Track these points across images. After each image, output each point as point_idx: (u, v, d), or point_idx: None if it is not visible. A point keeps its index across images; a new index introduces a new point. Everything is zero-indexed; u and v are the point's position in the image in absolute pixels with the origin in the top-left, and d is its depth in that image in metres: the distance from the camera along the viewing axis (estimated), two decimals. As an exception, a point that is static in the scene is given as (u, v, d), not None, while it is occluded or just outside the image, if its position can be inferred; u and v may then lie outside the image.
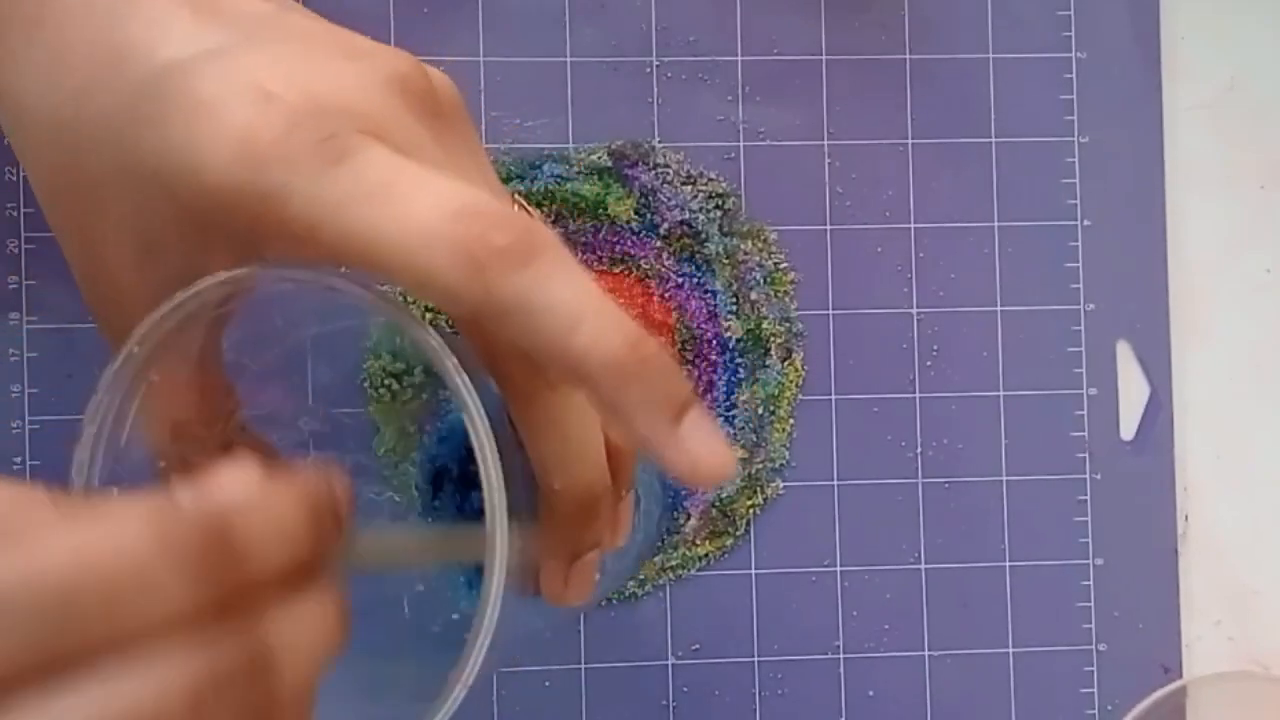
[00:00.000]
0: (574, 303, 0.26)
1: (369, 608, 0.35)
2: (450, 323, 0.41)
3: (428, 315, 0.44)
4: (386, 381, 0.42)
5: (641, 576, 0.46)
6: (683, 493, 0.46)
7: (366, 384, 0.43)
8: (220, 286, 0.28)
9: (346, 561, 0.26)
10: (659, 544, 0.46)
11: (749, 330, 0.46)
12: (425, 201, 0.26)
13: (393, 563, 0.30)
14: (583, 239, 0.46)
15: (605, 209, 0.46)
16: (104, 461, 0.29)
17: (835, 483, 0.46)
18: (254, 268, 0.28)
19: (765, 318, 0.46)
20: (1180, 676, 0.47)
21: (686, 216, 0.46)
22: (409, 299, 0.41)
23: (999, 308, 0.47)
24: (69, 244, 0.31)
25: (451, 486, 0.36)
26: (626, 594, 0.46)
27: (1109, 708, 0.47)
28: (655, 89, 0.47)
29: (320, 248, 0.26)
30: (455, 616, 0.36)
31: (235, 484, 0.24)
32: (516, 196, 0.34)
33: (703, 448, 0.26)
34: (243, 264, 0.28)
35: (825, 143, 0.47)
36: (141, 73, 0.28)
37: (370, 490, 0.39)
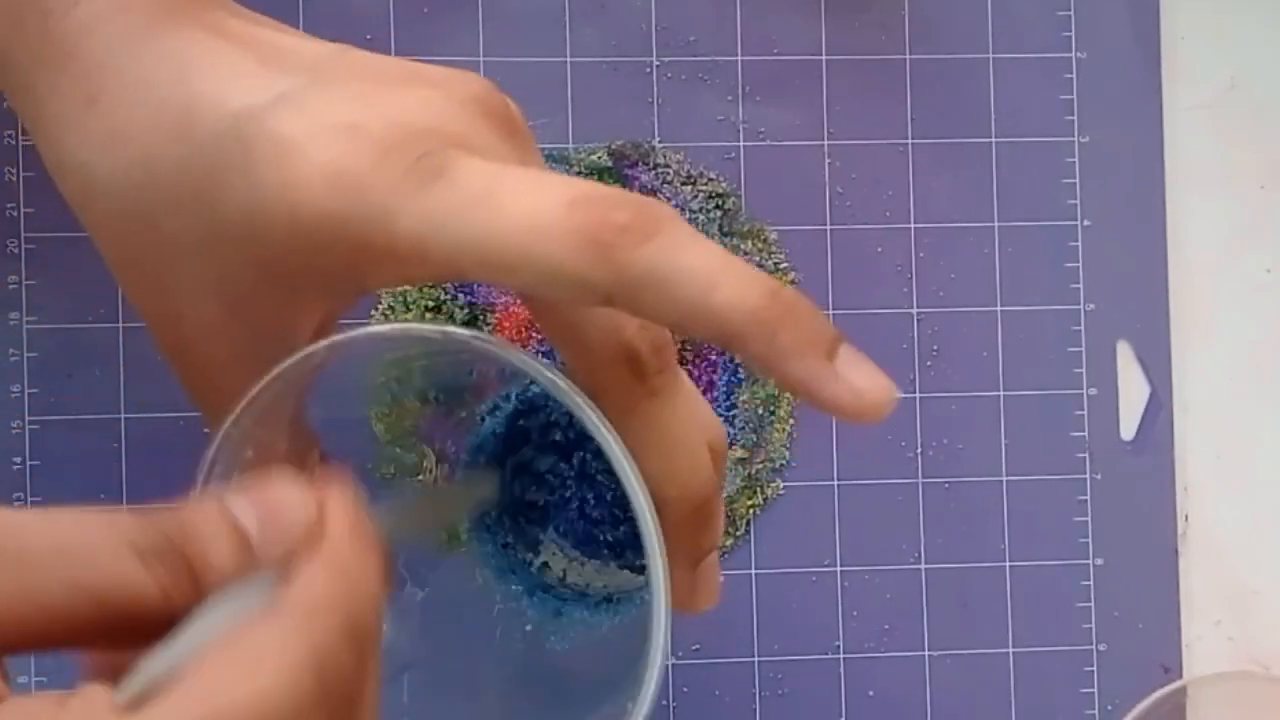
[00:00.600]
0: (707, 265, 0.26)
1: (457, 645, 0.35)
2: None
3: (426, 316, 0.44)
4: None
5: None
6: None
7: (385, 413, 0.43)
8: (313, 356, 0.28)
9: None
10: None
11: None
12: (535, 196, 0.26)
13: (405, 533, 0.30)
14: (583, 239, 0.46)
15: (605, 209, 0.46)
16: None
17: (835, 483, 0.46)
18: (346, 335, 0.28)
19: (765, 318, 0.46)
20: (1180, 676, 0.47)
21: (686, 216, 0.46)
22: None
23: (999, 308, 0.47)
24: (150, 310, 0.31)
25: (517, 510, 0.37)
26: (626, 594, 0.46)
27: (1109, 708, 0.47)
28: (655, 89, 0.47)
29: (432, 264, 0.26)
30: (528, 628, 0.36)
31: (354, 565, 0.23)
32: None
33: (863, 379, 0.26)
34: (335, 310, 0.29)
35: (825, 143, 0.47)
36: (215, 125, 0.28)
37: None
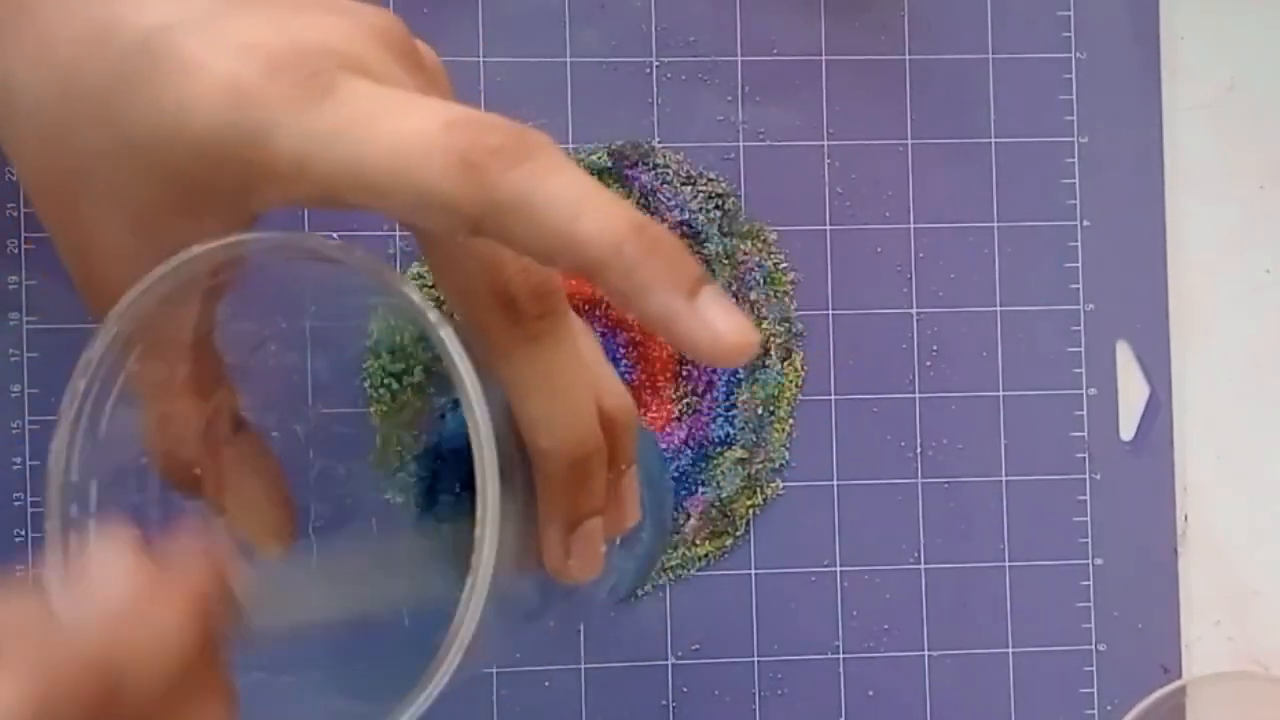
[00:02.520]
0: (574, 193, 0.25)
1: (362, 616, 0.35)
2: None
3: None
4: (386, 381, 0.42)
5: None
6: (683, 492, 0.46)
7: (367, 384, 0.43)
8: (203, 258, 0.27)
9: (241, 631, 0.26)
10: (670, 540, 0.46)
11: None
12: (413, 118, 0.26)
13: (295, 626, 0.29)
14: (583, 239, 0.46)
15: (605, 209, 0.46)
16: (82, 453, 0.28)
17: (835, 483, 0.46)
18: (235, 237, 0.27)
19: (765, 318, 0.46)
20: (1180, 676, 0.47)
21: (686, 216, 0.46)
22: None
23: (999, 308, 0.47)
24: (58, 227, 0.31)
25: (450, 489, 0.36)
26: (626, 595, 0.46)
27: (1109, 708, 0.47)
28: (655, 89, 0.47)
29: (313, 184, 0.26)
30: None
31: (117, 598, 0.24)
32: None
33: (722, 320, 0.25)
34: (230, 230, 0.28)
35: (825, 143, 0.47)
36: (129, 41, 0.28)
37: (369, 491, 0.39)
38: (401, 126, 0.26)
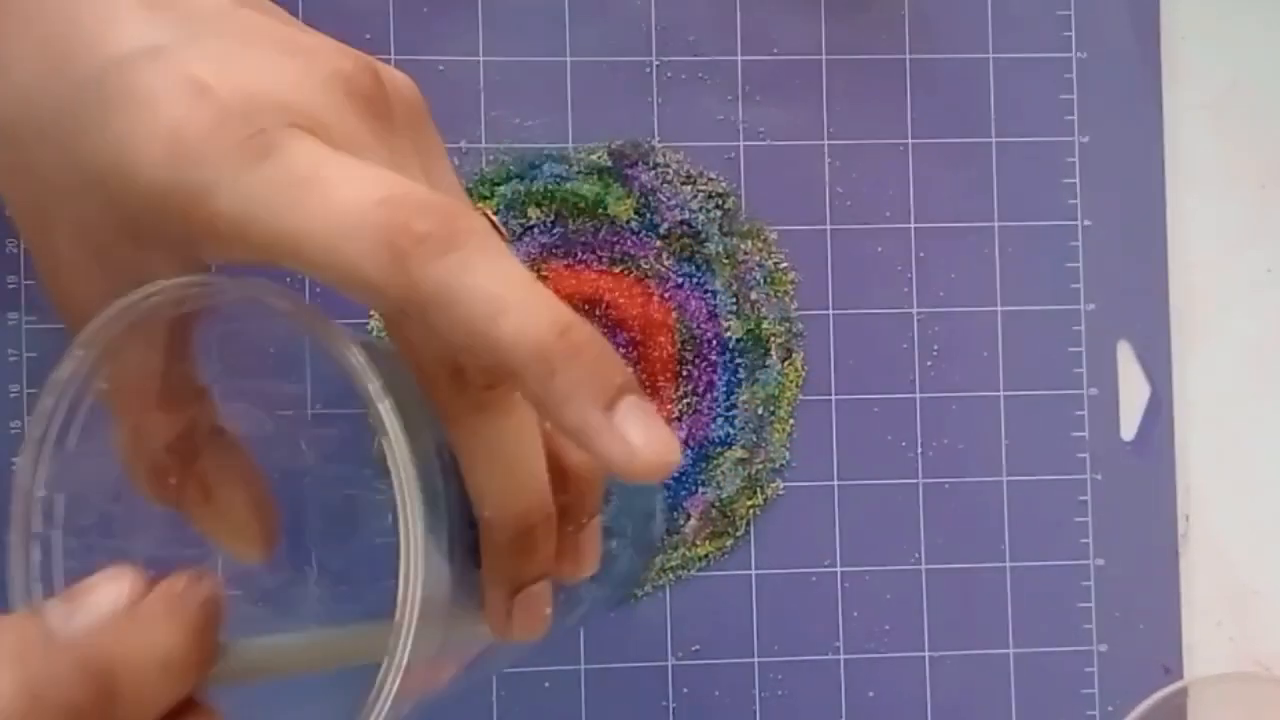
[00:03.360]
0: (498, 289, 0.24)
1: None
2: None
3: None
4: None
5: (642, 578, 0.46)
6: (683, 492, 0.46)
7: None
8: (163, 294, 0.27)
9: (225, 671, 0.26)
10: (657, 556, 0.45)
11: (749, 330, 0.46)
12: (349, 191, 0.25)
13: (278, 670, 0.29)
14: (583, 239, 0.46)
15: (605, 209, 0.46)
16: (51, 468, 0.28)
17: (835, 483, 0.46)
18: (194, 278, 0.27)
19: (765, 318, 0.46)
20: (1181, 677, 0.47)
21: (686, 216, 0.46)
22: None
23: (999, 308, 0.47)
24: (30, 243, 0.30)
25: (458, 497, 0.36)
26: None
27: (1110, 708, 0.47)
28: (655, 89, 0.47)
29: (249, 247, 0.26)
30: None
31: (111, 618, 0.24)
32: (480, 207, 0.33)
33: (639, 435, 0.24)
34: (188, 270, 0.27)
35: (825, 143, 0.47)
36: (85, 70, 0.27)
37: (365, 492, 0.38)
38: (335, 199, 0.25)
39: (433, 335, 0.26)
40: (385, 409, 0.25)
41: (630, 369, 0.26)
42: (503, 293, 0.24)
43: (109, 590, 0.24)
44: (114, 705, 0.23)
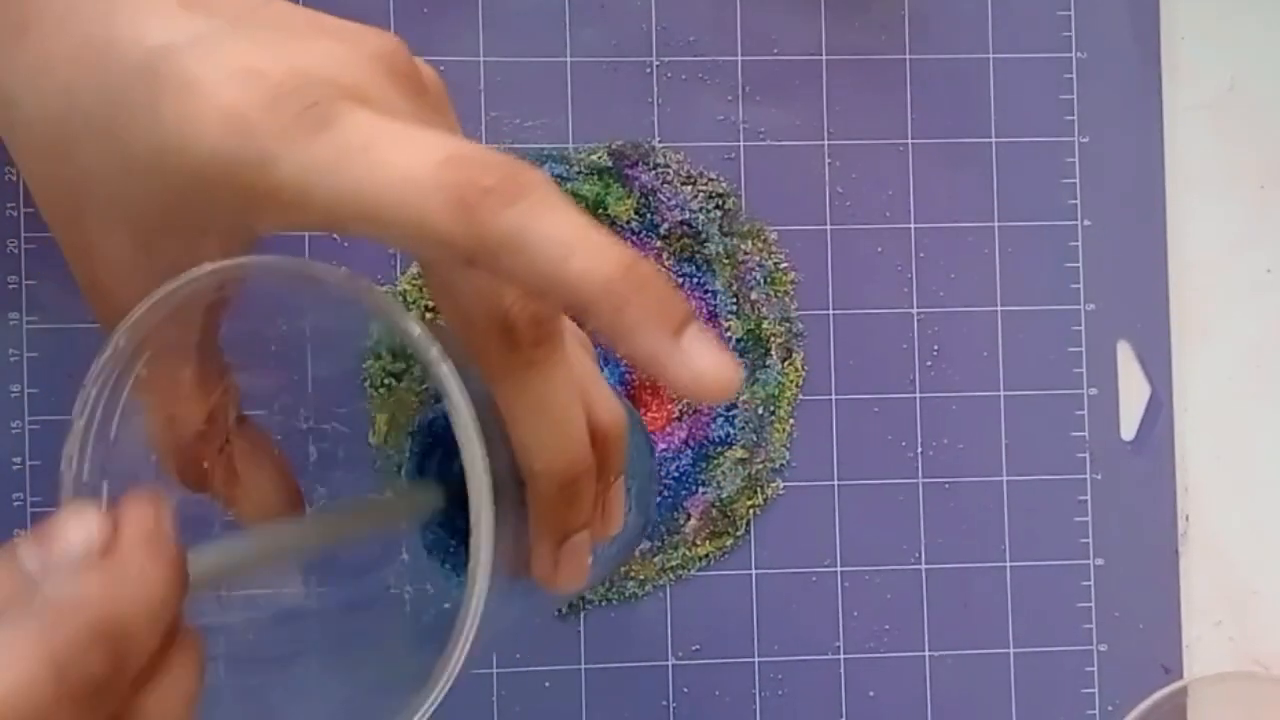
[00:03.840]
0: (565, 233, 0.26)
1: (359, 602, 0.35)
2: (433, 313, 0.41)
3: (427, 316, 0.44)
4: (386, 381, 0.43)
5: (642, 577, 0.46)
6: (683, 492, 0.46)
7: (367, 384, 0.43)
8: (207, 278, 0.28)
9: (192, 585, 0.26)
10: (649, 532, 0.46)
11: (749, 330, 0.46)
12: (410, 152, 0.26)
13: (236, 571, 0.29)
14: (583, 239, 0.46)
15: (605, 209, 0.46)
16: (94, 455, 0.29)
17: (835, 483, 0.46)
18: (239, 260, 0.28)
19: (765, 318, 0.46)
20: (1181, 677, 0.47)
21: (686, 216, 0.46)
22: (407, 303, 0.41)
23: (999, 308, 0.47)
24: (66, 240, 0.31)
25: (441, 480, 0.36)
26: (627, 594, 0.46)
27: (1109, 708, 0.47)
28: (655, 89, 0.47)
29: (313, 213, 0.27)
30: (446, 606, 0.35)
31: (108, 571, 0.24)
32: None
33: (704, 360, 0.26)
34: (234, 252, 0.28)
35: (825, 143, 0.47)
36: (130, 60, 0.28)
37: (369, 488, 0.39)
38: (399, 160, 0.26)
39: (486, 293, 0.28)
40: (445, 372, 0.27)
41: (691, 303, 0.27)
42: (570, 236, 0.26)
43: (78, 529, 0.25)
44: (125, 667, 0.24)
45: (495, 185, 0.26)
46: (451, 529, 0.36)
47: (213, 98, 0.27)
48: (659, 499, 0.46)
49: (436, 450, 0.37)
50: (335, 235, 0.27)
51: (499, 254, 0.26)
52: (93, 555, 0.24)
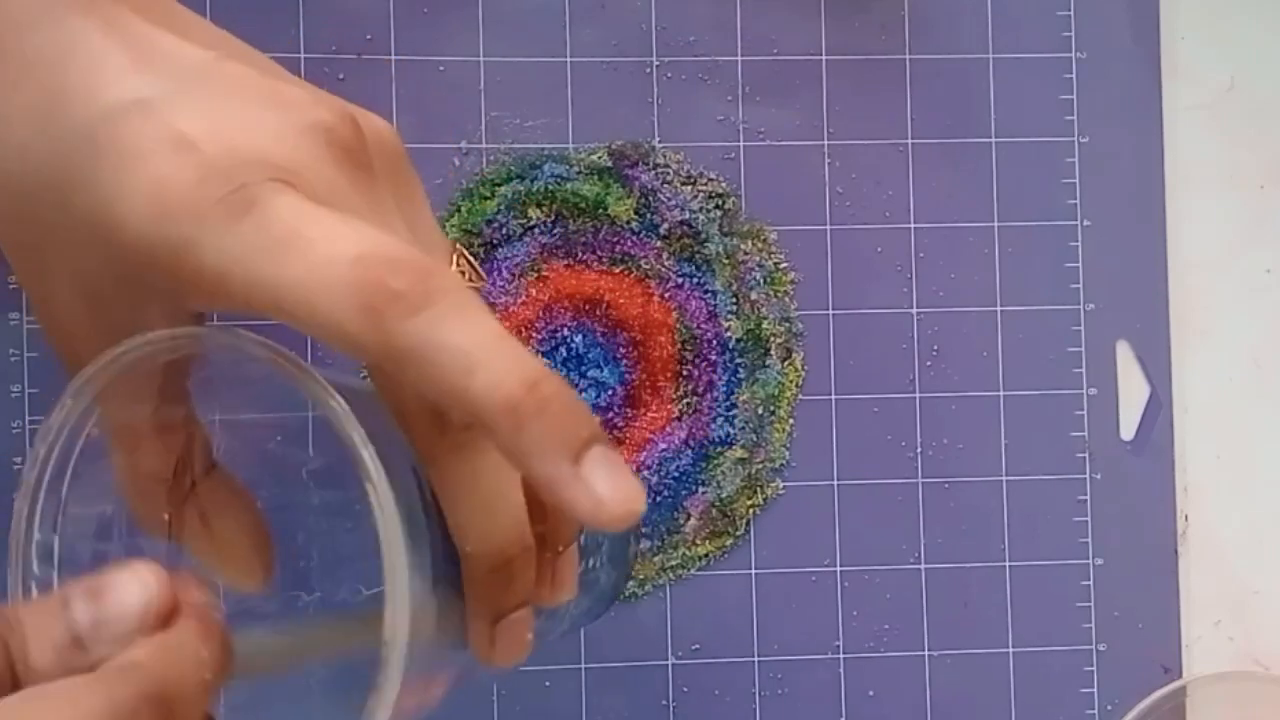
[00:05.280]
0: (470, 345, 0.25)
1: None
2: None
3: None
4: None
5: (642, 577, 0.46)
6: (683, 492, 0.46)
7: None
8: (155, 345, 0.28)
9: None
10: (622, 588, 0.45)
11: (749, 330, 0.46)
12: (327, 248, 0.26)
13: (271, 668, 0.29)
14: (583, 239, 0.46)
15: (605, 209, 0.46)
16: (45, 511, 0.29)
17: (835, 483, 0.46)
18: (186, 330, 0.28)
19: (765, 318, 0.46)
20: (1180, 676, 0.47)
21: (686, 216, 0.46)
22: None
23: (999, 308, 0.47)
24: (30, 291, 0.31)
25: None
26: (626, 594, 0.46)
27: (1109, 708, 0.47)
28: (655, 89, 0.47)
29: (232, 300, 0.26)
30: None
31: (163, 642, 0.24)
32: (458, 247, 0.34)
33: (605, 486, 0.25)
34: (179, 320, 0.28)
35: (825, 143, 0.47)
36: (76, 123, 0.28)
37: (357, 517, 0.38)
38: (312, 255, 0.26)
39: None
40: (368, 456, 0.26)
41: (598, 420, 0.27)
42: (474, 349, 0.25)
43: (130, 589, 0.25)
44: None
45: (403, 290, 0.25)
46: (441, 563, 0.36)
47: (144, 172, 0.27)
48: (658, 499, 0.46)
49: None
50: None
51: (403, 363, 0.25)
52: (149, 621, 0.25)
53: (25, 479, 0.28)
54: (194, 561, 0.32)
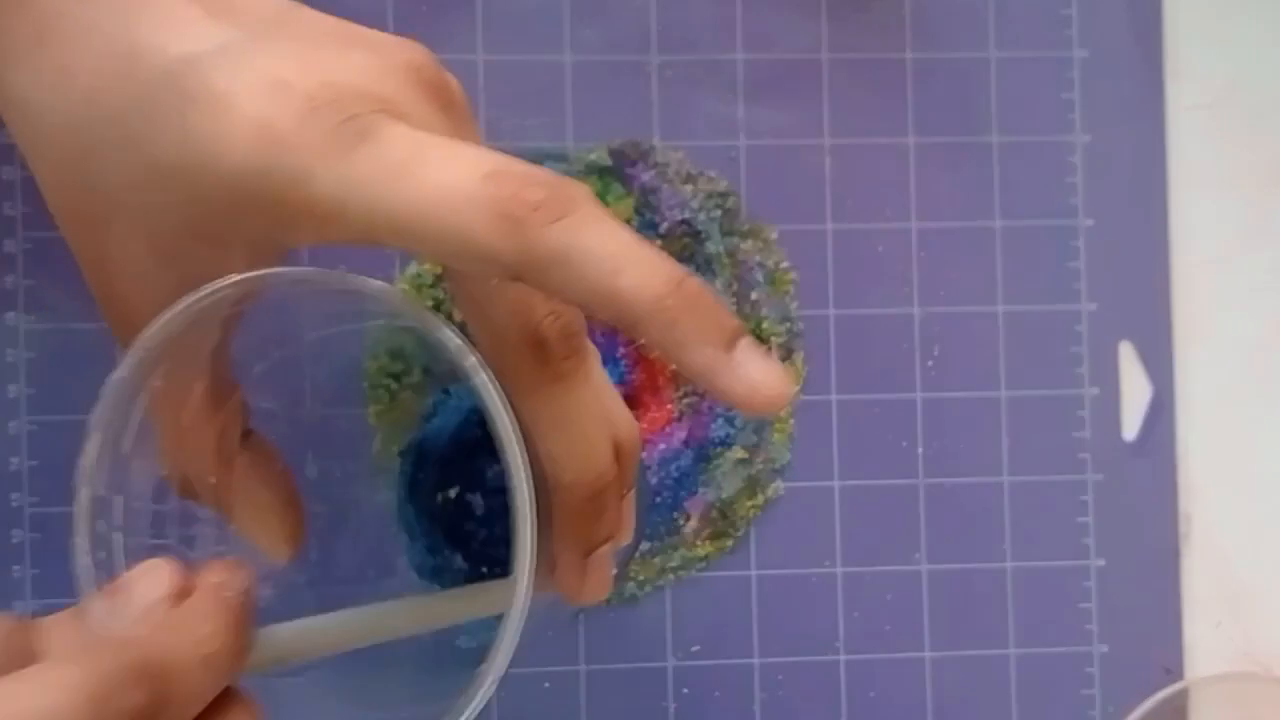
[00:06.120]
0: (615, 248, 0.26)
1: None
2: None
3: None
4: (385, 382, 0.42)
5: (642, 577, 0.46)
6: (683, 493, 0.46)
7: (366, 384, 0.43)
8: (231, 289, 0.28)
9: (257, 659, 0.27)
10: (642, 538, 0.46)
11: (749, 330, 0.46)
12: (453, 167, 0.26)
13: (307, 654, 0.30)
14: (582, 239, 0.46)
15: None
16: (109, 469, 0.29)
17: (835, 483, 0.46)
18: (267, 271, 0.28)
19: (765, 318, 0.46)
20: (1182, 678, 0.47)
21: (686, 216, 0.46)
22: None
23: (1000, 308, 0.47)
24: (82, 250, 0.31)
25: (440, 487, 0.36)
26: (626, 595, 0.46)
27: (1110, 709, 0.47)
28: (655, 89, 0.47)
29: (350, 228, 0.27)
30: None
31: (159, 612, 0.25)
32: None
33: (758, 372, 0.26)
34: (259, 265, 0.28)
35: (825, 143, 0.47)
36: (155, 70, 0.28)
37: (366, 491, 0.39)
38: (442, 176, 0.26)
39: (518, 307, 0.28)
40: (484, 381, 0.27)
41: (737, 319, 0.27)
42: (618, 251, 0.26)
43: (148, 584, 0.25)
44: (166, 707, 0.24)
45: (542, 200, 0.26)
46: (437, 550, 0.36)
47: (243, 110, 0.27)
48: (658, 499, 0.46)
49: (428, 468, 0.37)
50: (367, 247, 0.27)
51: (548, 269, 0.26)
52: (159, 606, 0.25)
53: (91, 433, 0.28)
54: (232, 528, 0.33)
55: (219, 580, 0.26)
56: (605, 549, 0.32)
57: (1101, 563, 0.47)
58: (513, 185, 0.26)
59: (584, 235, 0.26)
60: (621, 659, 0.45)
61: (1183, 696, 0.46)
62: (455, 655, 0.34)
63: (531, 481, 0.27)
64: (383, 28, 0.45)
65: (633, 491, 0.34)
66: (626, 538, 0.34)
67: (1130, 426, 0.48)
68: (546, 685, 0.45)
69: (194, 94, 0.27)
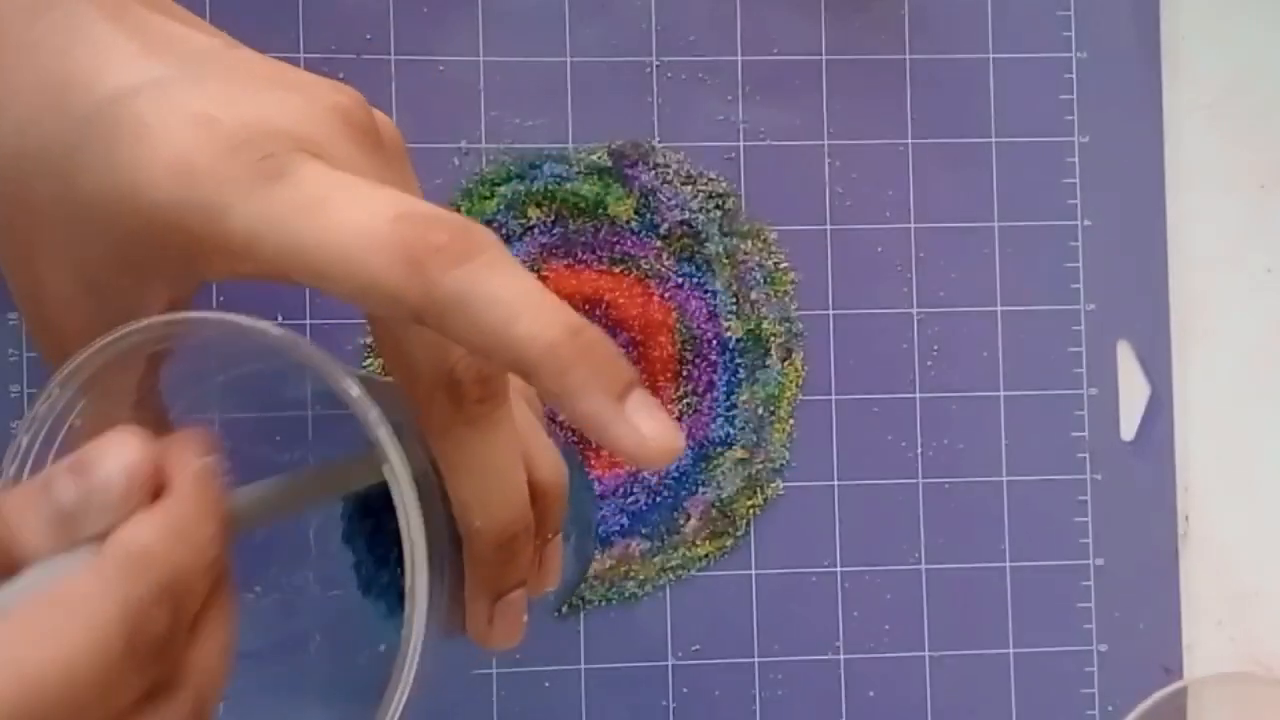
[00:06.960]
0: (513, 295, 0.26)
1: (291, 640, 0.35)
2: (381, 370, 0.41)
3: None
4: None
5: (641, 577, 0.46)
6: (683, 492, 0.46)
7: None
8: (151, 330, 0.28)
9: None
10: (581, 582, 0.45)
11: (749, 330, 0.46)
12: (363, 208, 0.26)
13: (271, 516, 0.29)
14: (583, 239, 0.46)
15: (605, 209, 0.46)
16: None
17: (835, 483, 0.46)
18: (182, 315, 0.28)
19: (765, 318, 0.46)
20: (1181, 677, 0.47)
21: (686, 216, 0.46)
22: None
23: (999, 308, 0.47)
24: (15, 278, 0.31)
25: (377, 525, 0.36)
26: (626, 594, 0.46)
27: (1110, 709, 0.47)
28: (655, 89, 0.47)
29: (261, 263, 0.27)
30: (381, 648, 0.35)
31: (157, 521, 0.24)
32: None
33: (648, 425, 0.26)
34: (181, 297, 0.28)
35: (825, 143, 0.47)
36: (87, 101, 0.28)
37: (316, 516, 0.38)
38: (351, 216, 0.26)
39: (432, 349, 0.28)
40: (384, 435, 0.27)
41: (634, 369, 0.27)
42: (517, 298, 0.26)
43: (115, 459, 0.25)
44: (182, 625, 0.24)
45: (446, 243, 0.26)
46: (387, 571, 0.36)
47: (166, 143, 0.27)
48: (658, 500, 0.46)
49: (372, 507, 0.37)
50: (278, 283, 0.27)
51: (446, 313, 0.26)
52: (134, 492, 0.24)
53: (5, 468, 0.28)
54: None
55: (199, 466, 0.26)
56: (515, 595, 0.32)
57: (1100, 562, 0.47)
58: (418, 227, 0.26)
59: (483, 281, 0.26)
60: (621, 658, 0.46)
61: (1182, 696, 0.46)
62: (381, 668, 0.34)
63: (424, 534, 0.27)
64: (384, 29, 0.46)
65: (559, 536, 0.34)
66: (551, 583, 0.34)
67: (1129, 426, 0.48)
68: (546, 685, 0.45)
69: (120, 128, 0.27)
